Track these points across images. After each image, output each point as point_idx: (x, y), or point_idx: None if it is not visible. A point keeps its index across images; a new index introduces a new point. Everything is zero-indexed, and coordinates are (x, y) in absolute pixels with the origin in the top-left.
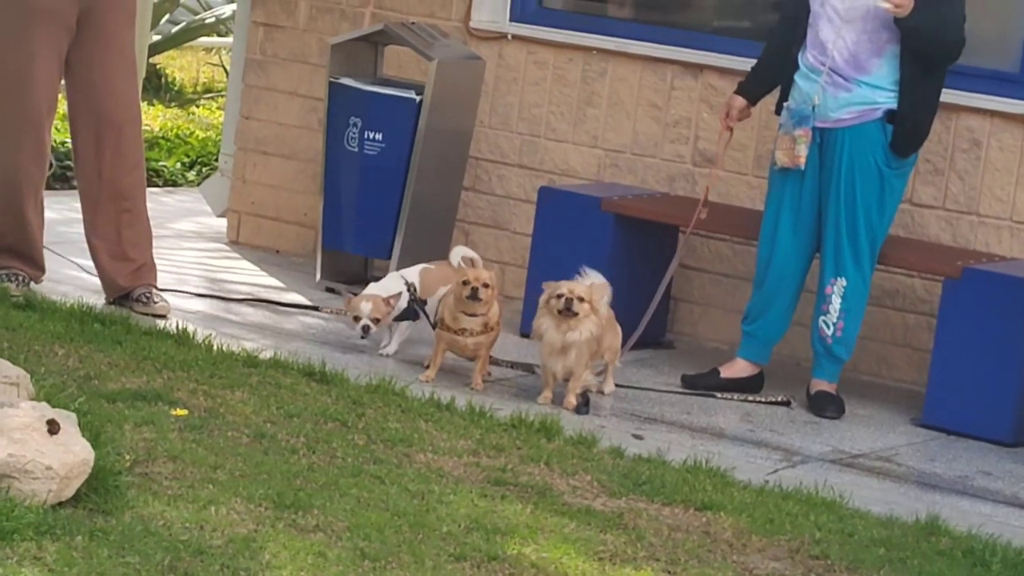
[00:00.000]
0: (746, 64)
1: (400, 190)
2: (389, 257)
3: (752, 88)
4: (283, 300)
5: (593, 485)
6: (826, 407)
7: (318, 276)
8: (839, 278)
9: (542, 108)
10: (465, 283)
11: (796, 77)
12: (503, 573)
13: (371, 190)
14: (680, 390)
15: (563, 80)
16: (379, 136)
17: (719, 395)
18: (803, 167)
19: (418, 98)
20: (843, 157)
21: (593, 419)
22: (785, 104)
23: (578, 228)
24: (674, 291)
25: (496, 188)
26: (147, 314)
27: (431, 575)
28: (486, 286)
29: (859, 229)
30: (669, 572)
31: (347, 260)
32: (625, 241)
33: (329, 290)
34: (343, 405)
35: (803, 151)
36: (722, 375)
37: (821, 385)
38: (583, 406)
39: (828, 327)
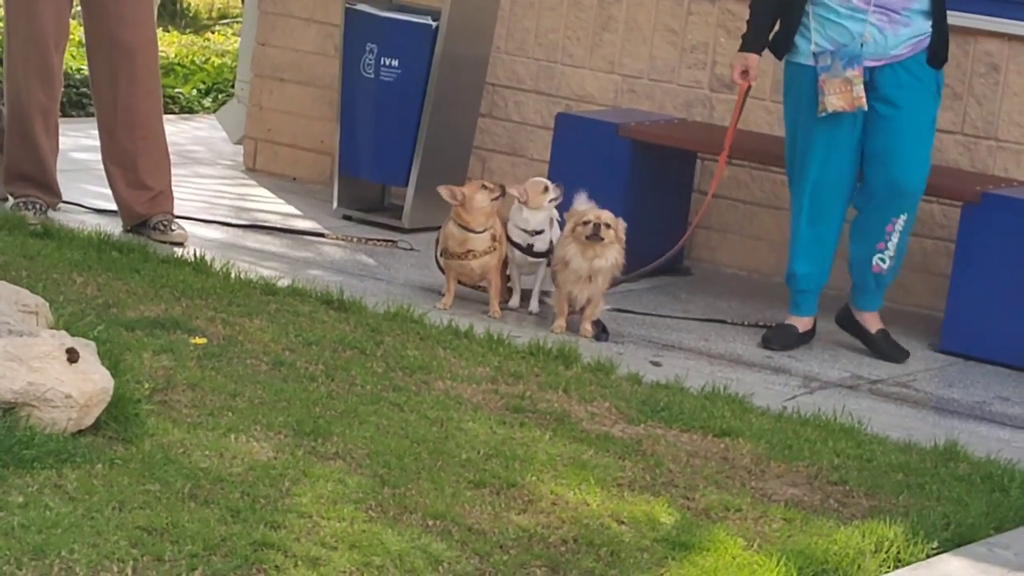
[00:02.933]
0: None
1: (416, 117)
2: (406, 184)
3: (759, 40)
4: (299, 227)
5: (611, 412)
6: (897, 353)
7: (335, 203)
8: (900, 215)
9: (558, 33)
10: (485, 187)
11: (827, 16)
12: (522, 500)
13: (387, 117)
14: (698, 317)
15: (579, 5)
16: (395, 62)
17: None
18: (865, 108)
19: (434, 24)
20: (903, 91)
21: (611, 346)
22: (824, 48)
23: (595, 154)
24: (691, 217)
25: (513, 114)
26: (165, 242)
27: (450, 502)
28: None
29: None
30: (687, 499)
31: (364, 187)
32: (642, 167)
33: (346, 217)
34: (362, 333)
35: (862, 91)
36: (799, 330)
37: (875, 320)
38: (602, 332)
39: (884, 262)
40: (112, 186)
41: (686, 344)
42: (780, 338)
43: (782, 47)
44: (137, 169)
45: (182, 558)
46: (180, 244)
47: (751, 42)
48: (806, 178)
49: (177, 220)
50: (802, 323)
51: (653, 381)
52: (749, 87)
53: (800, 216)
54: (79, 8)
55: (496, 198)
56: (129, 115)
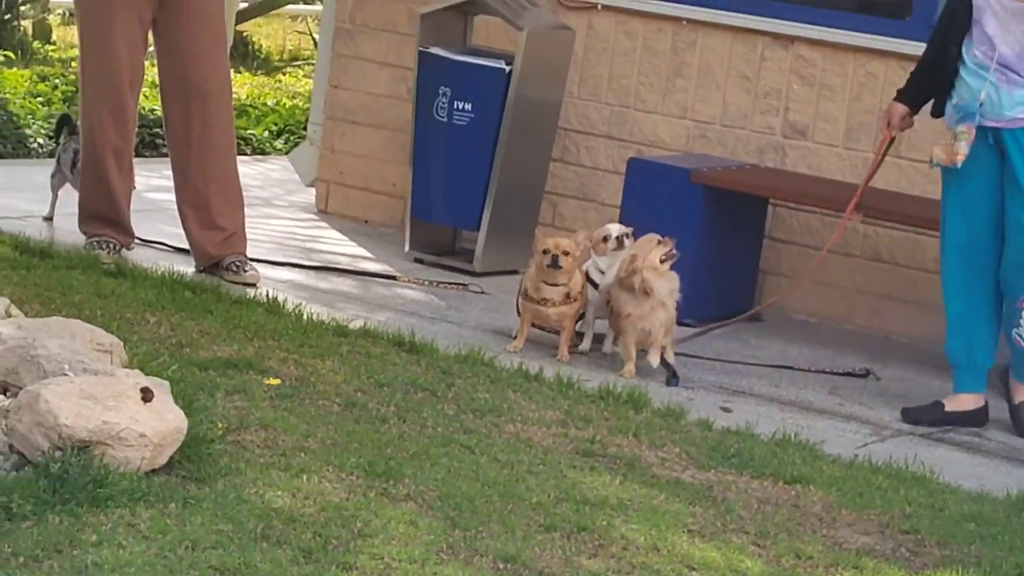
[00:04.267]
0: (837, 35)
1: (489, 160)
2: (477, 228)
3: (913, 94)
4: (371, 270)
5: (681, 457)
6: None
7: (406, 247)
8: None
9: (631, 79)
10: (545, 251)
11: (962, 73)
12: (592, 544)
13: (460, 160)
14: (768, 363)
15: (653, 51)
16: (468, 106)
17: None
18: (959, 165)
19: (507, 68)
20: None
21: (681, 391)
22: (950, 101)
23: (667, 199)
24: (762, 263)
25: (584, 159)
26: (237, 283)
27: (521, 545)
28: (566, 254)
29: None
30: (758, 545)
31: (435, 231)
32: (714, 213)
33: (417, 260)
34: (433, 375)
35: (963, 148)
36: (946, 408)
37: (1021, 391)
38: (672, 377)
39: (1022, 338)
40: (185, 227)
41: (756, 390)
42: (921, 413)
43: (937, 105)
44: (210, 210)
45: None
46: (253, 285)
47: (902, 92)
48: (946, 241)
49: (250, 261)
50: (954, 401)
51: (723, 427)
52: (892, 139)
53: (945, 285)
54: (153, 48)
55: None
56: (203, 157)
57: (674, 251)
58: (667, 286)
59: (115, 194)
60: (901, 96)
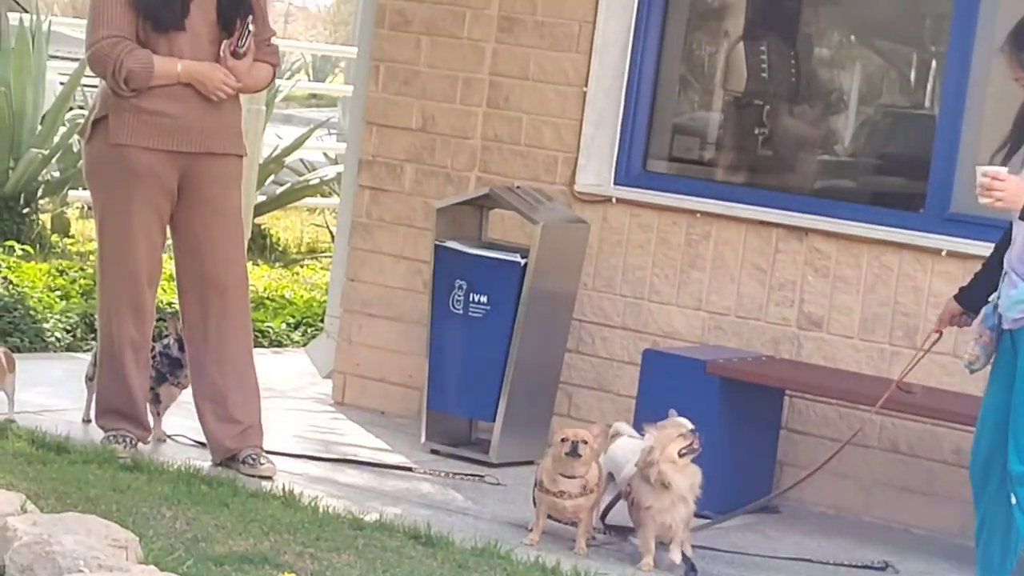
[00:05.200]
0: (851, 227)
1: (504, 352)
2: (493, 419)
3: (970, 294)
4: (387, 461)
5: None
6: None
7: (423, 437)
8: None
9: (646, 270)
10: (564, 440)
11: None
12: None
13: (476, 352)
14: (786, 556)
15: (667, 243)
16: (484, 299)
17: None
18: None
19: (523, 261)
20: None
21: None
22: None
23: (683, 391)
24: (779, 455)
25: (600, 350)
26: (253, 476)
27: None
28: (584, 443)
29: None
30: None
31: (451, 422)
32: (730, 404)
33: (433, 451)
34: (449, 569)
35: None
36: None
37: None
38: (690, 570)
39: None
40: (202, 420)
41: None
42: None
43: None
44: (227, 404)
45: None
46: (268, 478)
47: (962, 290)
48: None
49: (266, 454)
50: None
51: None
52: (940, 335)
53: (976, 495)
54: (171, 242)
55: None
56: (220, 351)
57: (696, 445)
58: (687, 481)
59: (133, 389)
60: (959, 295)
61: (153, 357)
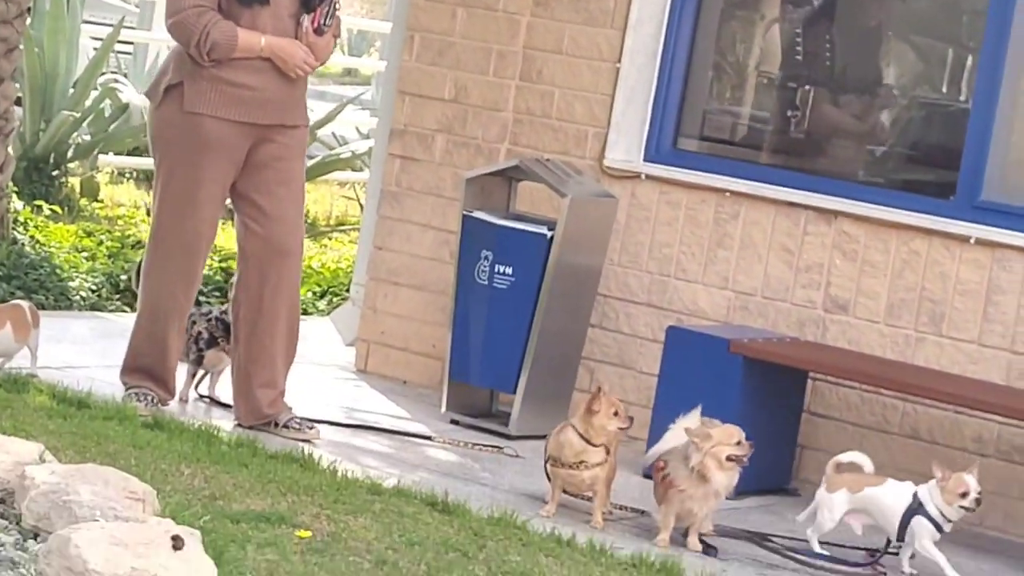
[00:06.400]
0: (881, 212)
1: (528, 325)
2: (514, 391)
3: None
4: (407, 430)
5: None
6: None
7: (443, 407)
8: None
9: (673, 248)
10: (616, 413)
11: None
12: None
13: (499, 323)
14: (803, 538)
15: (695, 221)
16: (509, 270)
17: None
18: None
19: (549, 233)
20: None
21: (716, 563)
22: None
23: (706, 369)
24: (800, 438)
25: (623, 326)
26: (299, 440)
27: None
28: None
29: None
30: None
31: (473, 392)
32: (753, 384)
33: (453, 422)
34: (465, 536)
35: None
36: None
37: None
38: (710, 547)
39: None
40: (242, 383)
41: (791, 565)
42: None
43: None
44: (274, 369)
45: None
46: (311, 443)
47: None
48: None
49: (309, 420)
50: None
51: None
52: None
53: None
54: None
55: (624, 428)
56: (273, 316)
57: (746, 460)
58: (726, 480)
59: (170, 352)
60: None
61: (209, 321)
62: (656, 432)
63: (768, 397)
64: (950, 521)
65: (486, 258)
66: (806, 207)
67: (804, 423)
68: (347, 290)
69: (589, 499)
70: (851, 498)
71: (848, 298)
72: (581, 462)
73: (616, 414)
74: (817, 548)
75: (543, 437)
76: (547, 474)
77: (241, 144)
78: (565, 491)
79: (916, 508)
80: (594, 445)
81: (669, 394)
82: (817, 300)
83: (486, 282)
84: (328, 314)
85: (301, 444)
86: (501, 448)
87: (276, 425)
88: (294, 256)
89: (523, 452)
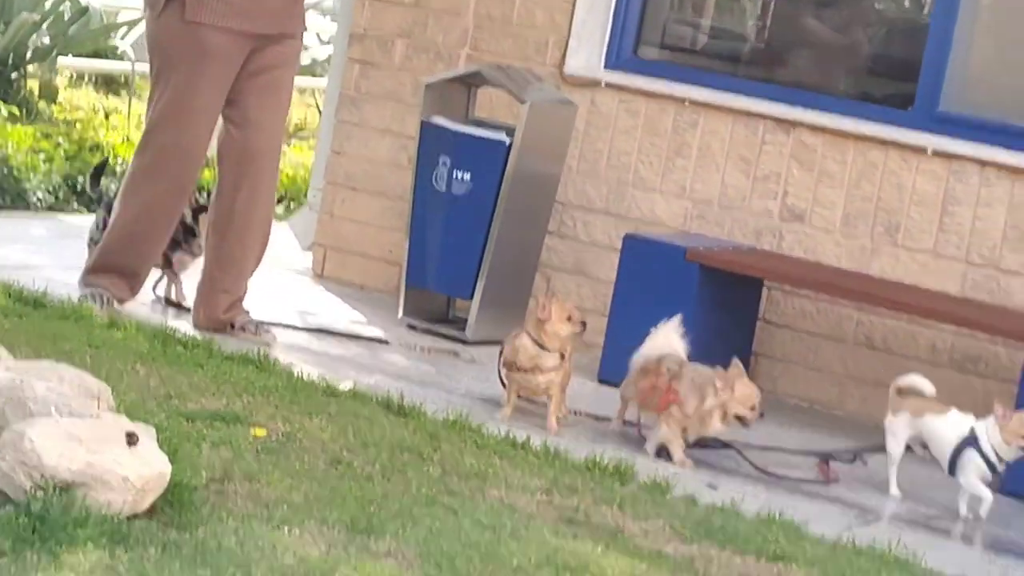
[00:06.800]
0: (839, 122)
1: (485, 231)
2: (471, 297)
3: None
4: (363, 334)
5: (665, 530)
6: None
7: (400, 313)
8: None
9: (631, 156)
10: (570, 318)
11: None
12: None
13: (456, 230)
14: (759, 445)
15: (654, 130)
16: (467, 176)
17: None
18: None
19: (508, 140)
20: None
21: (668, 467)
22: None
23: (662, 277)
24: (755, 346)
25: (581, 234)
26: (257, 343)
27: None
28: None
29: None
30: None
31: (430, 298)
32: (709, 292)
33: (410, 327)
34: (420, 437)
35: None
36: None
37: None
38: (663, 449)
39: None
40: (205, 288)
41: (744, 470)
42: None
43: None
44: (239, 276)
45: None
46: (269, 346)
47: None
48: None
49: (266, 324)
50: None
51: (709, 503)
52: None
53: None
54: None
55: (578, 332)
56: (246, 223)
57: (750, 424)
58: (719, 431)
59: (147, 257)
60: None
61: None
62: (613, 339)
63: (723, 305)
64: (1003, 461)
65: (444, 164)
66: (765, 117)
67: (759, 331)
68: (305, 196)
69: (544, 404)
70: (912, 422)
71: (805, 208)
72: (536, 367)
73: (569, 319)
74: (894, 488)
75: (500, 343)
76: (502, 379)
77: (240, 53)
78: (520, 396)
79: (970, 441)
80: (548, 350)
81: (625, 302)
82: (774, 210)
83: (444, 188)
84: (286, 220)
85: (258, 346)
86: (457, 353)
87: (232, 327)
88: (267, 158)
89: (479, 358)
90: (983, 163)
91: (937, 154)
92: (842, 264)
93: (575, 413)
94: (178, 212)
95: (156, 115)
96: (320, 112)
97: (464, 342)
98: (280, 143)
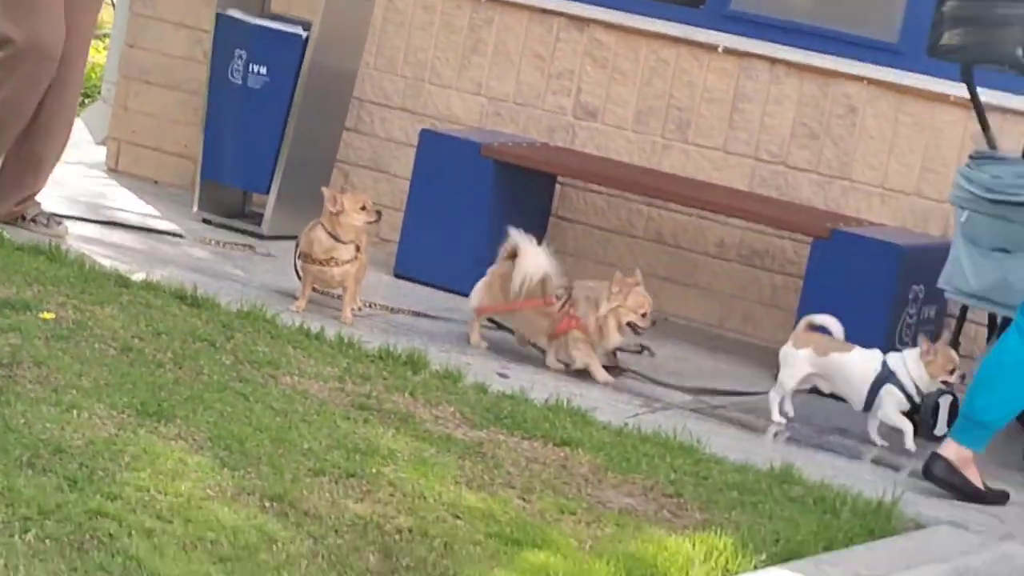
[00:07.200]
0: (631, 20)
1: (281, 126)
2: (267, 192)
3: None
4: (160, 227)
5: (455, 416)
6: None
7: (195, 207)
8: None
9: (428, 53)
10: (364, 208)
11: None
12: (360, 489)
13: (253, 124)
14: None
15: (450, 26)
16: (263, 70)
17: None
18: None
19: (304, 34)
20: None
21: (460, 356)
22: None
23: (457, 173)
24: (548, 241)
25: (378, 130)
26: (48, 235)
27: (289, 487)
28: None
29: None
30: (524, 499)
31: (225, 192)
32: (503, 188)
33: (206, 221)
34: (213, 327)
35: None
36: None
37: None
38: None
39: None
40: (2, 180)
41: (534, 358)
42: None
43: None
44: (39, 171)
45: (15, 520)
46: (61, 238)
47: None
48: None
49: (57, 216)
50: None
51: (499, 391)
52: None
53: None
54: None
55: (372, 222)
56: (49, 119)
57: (641, 332)
58: (616, 342)
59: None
60: None
61: None
62: (409, 234)
63: (518, 201)
64: (922, 393)
65: (240, 58)
66: (559, 14)
67: (552, 227)
68: (99, 91)
69: (339, 297)
70: (815, 360)
71: (598, 105)
72: (331, 258)
73: (363, 208)
74: (776, 414)
75: (296, 237)
76: (297, 272)
77: None
78: (316, 289)
79: (887, 376)
80: (343, 242)
81: (421, 197)
82: (567, 106)
83: (240, 82)
84: (80, 114)
85: (49, 238)
86: (253, 247)
87: (24, 219)
88: (77, 61)
89: (275, 251)
90: (773, 61)
91: (728, 52)
92: (634, 160)
93: (370, 305)
94: (29, 111)
95: (13, 24)
96: (114, 5)
97: (260, 236)
98: (89, 44)
